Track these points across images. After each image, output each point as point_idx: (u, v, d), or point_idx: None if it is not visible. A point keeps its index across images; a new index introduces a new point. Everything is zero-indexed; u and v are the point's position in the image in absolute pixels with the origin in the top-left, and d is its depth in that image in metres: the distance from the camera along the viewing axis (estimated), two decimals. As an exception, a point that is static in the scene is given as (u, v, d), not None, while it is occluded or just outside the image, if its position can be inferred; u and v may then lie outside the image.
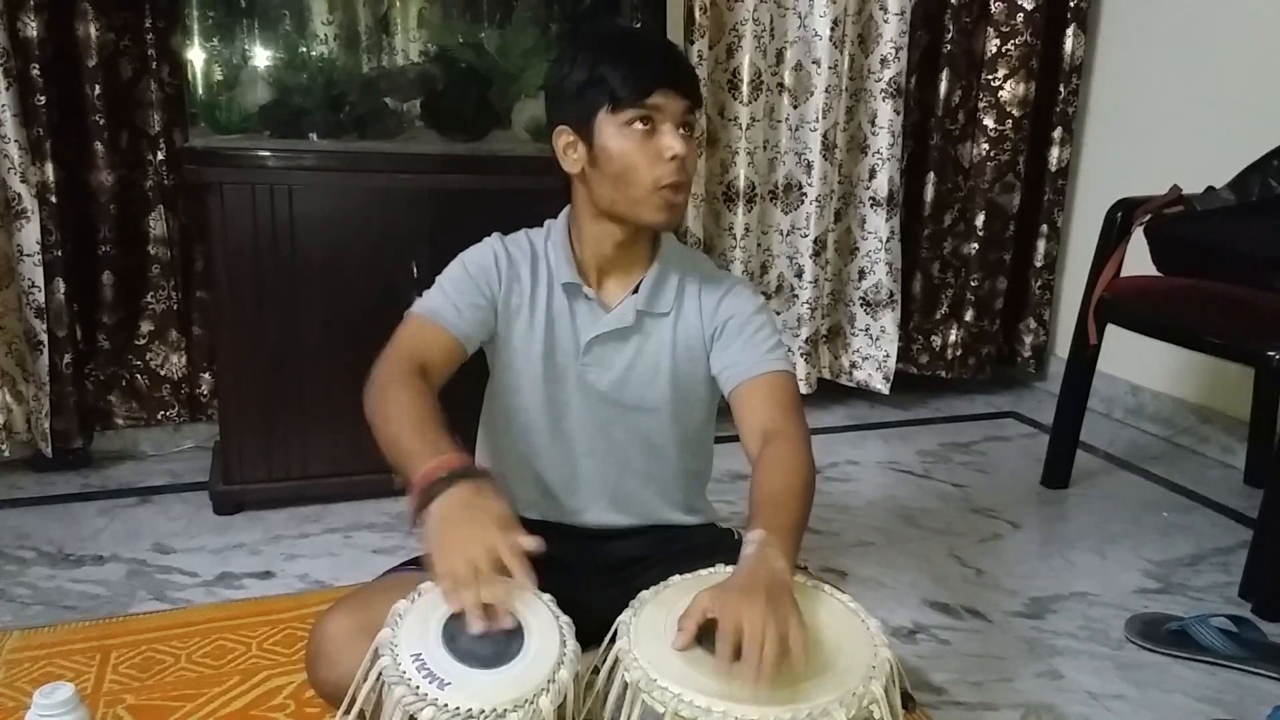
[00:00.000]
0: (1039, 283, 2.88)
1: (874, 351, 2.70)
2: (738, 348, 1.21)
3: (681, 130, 1.12)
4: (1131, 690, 1.48)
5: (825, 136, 2.48)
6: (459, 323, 1.18)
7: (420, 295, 1.22)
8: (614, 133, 1.12)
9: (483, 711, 0.81)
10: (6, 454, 2.04)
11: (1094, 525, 2.07)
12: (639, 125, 1.11)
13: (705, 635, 0.89)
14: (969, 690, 1.46)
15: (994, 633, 1.63)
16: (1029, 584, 1.79)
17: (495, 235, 1.27)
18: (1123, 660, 1.56)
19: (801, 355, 2.60)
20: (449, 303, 1.19)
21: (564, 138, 1.17)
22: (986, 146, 2.70)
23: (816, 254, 2.56)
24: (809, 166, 2.51)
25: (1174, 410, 2.56)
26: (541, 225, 1.29)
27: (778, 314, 2.60)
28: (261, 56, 2.02)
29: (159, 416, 2.22)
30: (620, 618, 0.95)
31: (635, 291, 1.22)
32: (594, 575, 1.22)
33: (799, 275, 2.59)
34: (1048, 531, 2.08)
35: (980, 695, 1.45)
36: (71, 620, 1.54)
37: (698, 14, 2.31)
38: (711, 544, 1.25)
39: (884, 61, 2.51)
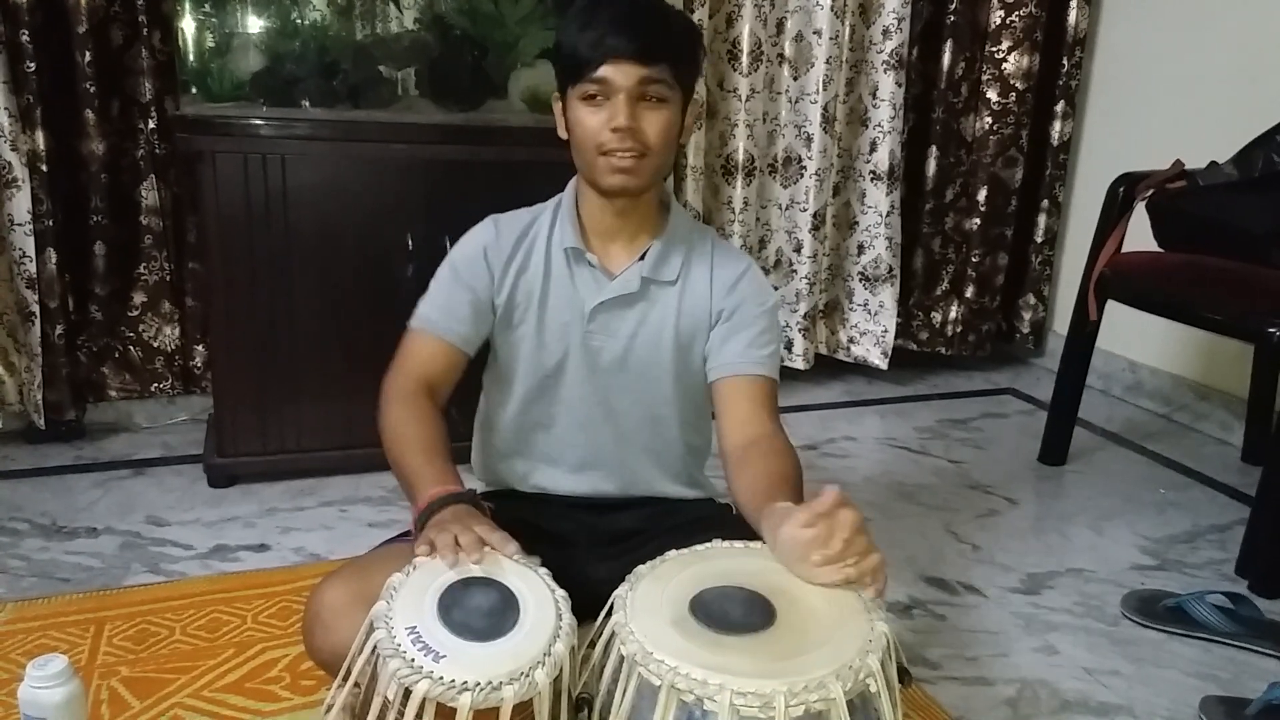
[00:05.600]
0: (1039, 258, 2.87)
1: (872, 327, 2.69)
2: (740, 342, 1.20)
3: (647, 99, 1.10)
4: (1127, 666, 1.48)
5: (825, 109, 2.45)
6: (456, 326, 1.19)
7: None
8: (575, 103, 1.13)
9: (478, 684, 0.80)
10: (-1, 425, 2.03)
11: (1091, 502, 2.07)
12: (591, 97, 1.11)
13: (700, 610, 0.89)
14: (965, 665, 1.46)
15: (990, 608, 1.63)
16: (1025, 560, 1.79)
17: (489, 220, 1.26)
18: (1119, 636, 1.56)
19: (799, 330, 2.59)
20: (442, 311, 1.20)
21: (558, 105, 1.19)
22: (989, 120, 2.68)
23: (815, 228, 2.54)
24: (809, 139, 2.49)
25: (1172, 387, 2.56)
26: (537, 196, 1.28)
27: (775, 289, 2.58)
28: (254, 23, 1.99)
29: (152, 389, 2.21)
30: (616, 592, 0.94)
31: (642, 258, 1.21)
32: (590, 549, 1.22)
33: (797, 250, 2.57)
34: (1044, 508, 2.08)
35: (976, 670, 1.45)
36: (65, 592, 1.54)
37: (698, -18, 2.28)
38: (708, 519, 1.25)
39: (886, 32, 2.48)
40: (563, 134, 1.19)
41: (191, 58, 1.98)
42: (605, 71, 1.09)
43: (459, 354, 1.20)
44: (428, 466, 1.06)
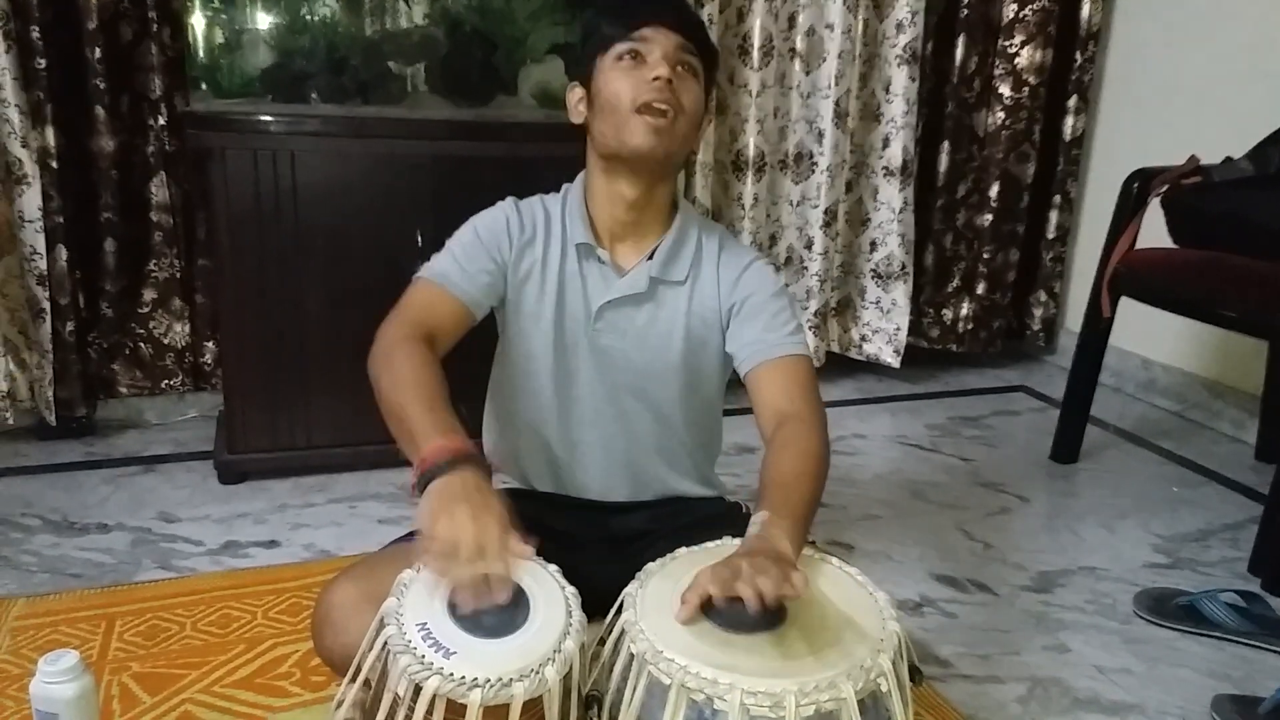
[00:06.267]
0: (1050, 255, 2.85)
1: (885, 324, 2.68)
2: (757, 329, 1.19)
3: (679, 67, 1.13)
4: (1139, 665, 1.47)
5: (838, 104, 2.44)
6: (468, 287, 1.17)
7: (427, 261, 1.21)
8: (607, 68, 1.14)
9: (488, 681, 0.80)
10: (10, 422, 2.03)
11: (1103, 500, 2.06)
12: (628, 59, 1.12)
13: (711, 609, 0.89)
14: (976, 664, 1.46)
15: (1001, 606, 1.62)
16: (1037, 558, 1.78)
17: (509, 199, 1.25)
18: (1130, 635, 1.55)
19: (810, 328, 2.58)
20: (458, 267, 1.17)
21: (574, 94, 1.19)
22: (1002, 115, 2.66)
23: (827, 225, 2.53)
24: (820, 135, 2.48)
25: (1185, 385, 2.54)
26: (547, 191, 1.27)
27: (786, 286, 2.57)
28: (264, 19, 1.99)
29: (163, 385, 2.21)
30: (626, 590, 0.94)
31: (650, 258, 1.20)
32: (600, 548, 1.22)
33: (809, 247, 2.56)
34: (1056, 506, 2.07)
35: (987, 669, 1.45)
36: (76, 588, 1.55)
37: (708, -23, 2.27)
38: (719, 517, 1.24)
39: (900, 26, 2.46)
40: (576, 118, 1.19)
41: (201, 54, 1.99)
42: (644, 32, 1.12)
43: (467, 314, 1.17)
44: (429, 416, 0.99)
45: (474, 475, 0.94)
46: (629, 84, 1.11)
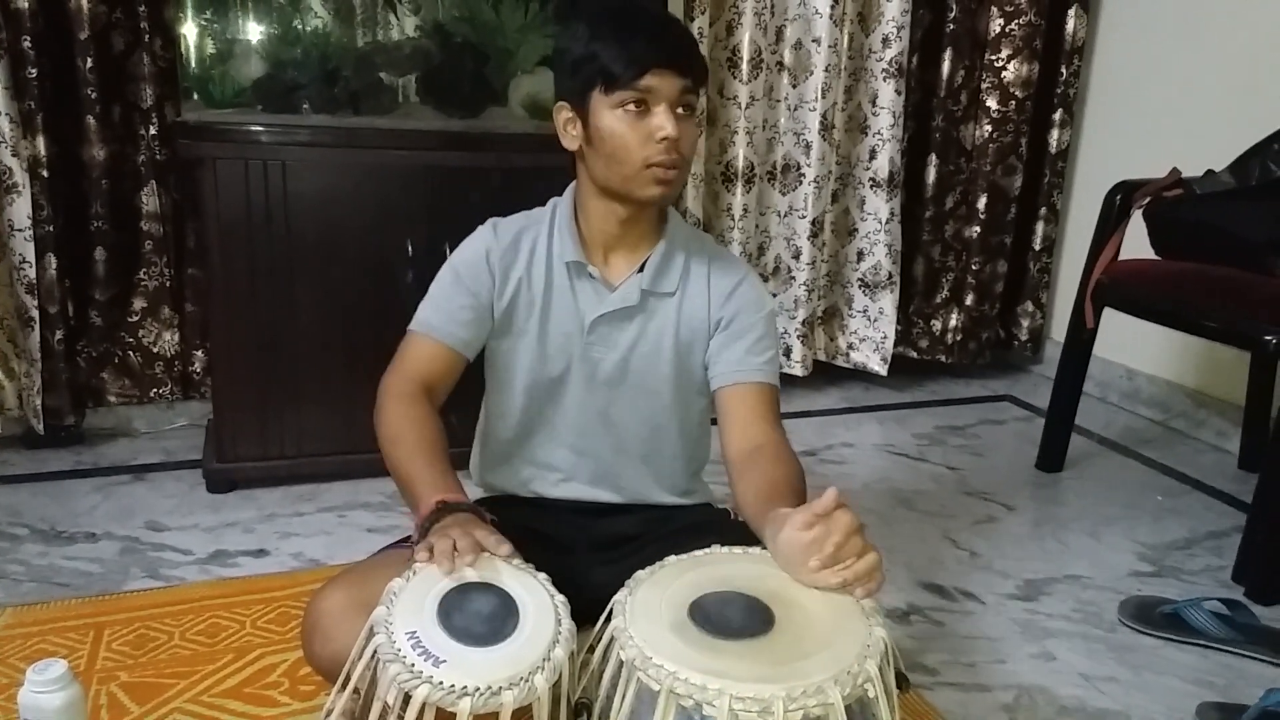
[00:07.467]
0: (1037, 266, 2.88)
1: (872, 333, 2.69)
2: (739, 349, 1.21)
3: (680, 110, 1.11)
4: (1124, 672, 1.49)
5: (824, 116, 2.46)
6: (456, 330, 1.19)
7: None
8: (607, 113, 1.11)
9: (478, 689, 0.80)
10: (-1, 430, 2.03)
11: (1088, 508, 2.07)
12: (631, 107, 1.10)
13: (699, 615, 0.89)
14: (962, 671, 1.47)
15: (987, 614, 1.63)
16: (1023, 566, 1.80)
17: (488, 223, 1.26)
18: (1116, 643, 1.57)
19: (798, 337, 2.60)
20: (441, 314, 1.20)
21: (564, 114, 1.17)
22: (989, 128, 2.68)
23: (814, 235, 2.55)
24: (807, 147, 2.50)
25: (1169, 394, 2.57)
26: (537, 202, 1.28)
27: (774, 295, 2.59)
28: (255, 29, 2.00)
29: (152, 394, 2.21)
30: (616, 597, 0.95)
31: (640, 270, 1.21)
32: (589, 554, 1.22)
33: (796, 257, 2.58)
34: (1042, 514, 2.08)
35: (973, 676, 1.46)
36: (64, 597, 1.54)
37: (698, -11, 2.29)
38: (707, 524, 1.25)
39: (886, 40, 2.49)
40: (569, 144, 1.17)
41: (193, 64, 1.99)
42: (650, 81, 1.09)
43: (458, 358, 1.20)
44: (430, 471, 1.06)
45: (470, 516, 1.00)
46: (636, 139, 1.10)
